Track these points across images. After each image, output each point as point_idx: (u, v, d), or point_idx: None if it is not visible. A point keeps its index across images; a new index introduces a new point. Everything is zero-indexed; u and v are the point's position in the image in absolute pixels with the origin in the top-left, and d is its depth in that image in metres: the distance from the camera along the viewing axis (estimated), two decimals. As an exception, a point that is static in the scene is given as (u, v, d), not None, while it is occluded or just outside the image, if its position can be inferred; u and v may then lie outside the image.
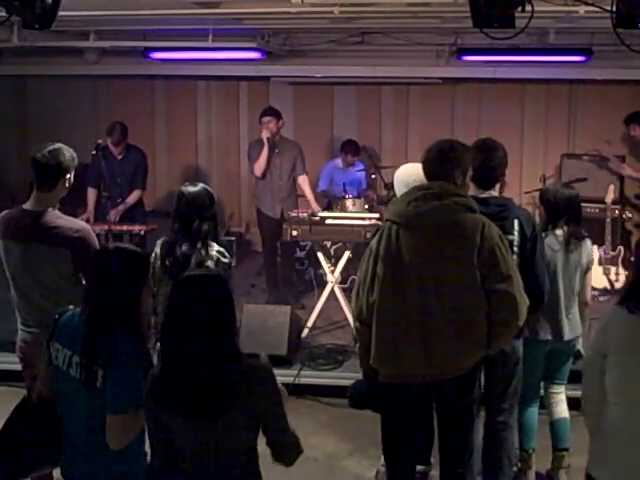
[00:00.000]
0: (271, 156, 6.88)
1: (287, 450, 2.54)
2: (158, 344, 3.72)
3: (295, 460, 2.56)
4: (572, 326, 4.11)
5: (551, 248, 4.03)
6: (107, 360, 2.57)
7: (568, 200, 4.13)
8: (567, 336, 4.09)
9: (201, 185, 3.88)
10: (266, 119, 6.87)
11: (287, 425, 2.52)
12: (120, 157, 6.94)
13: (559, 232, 4.07)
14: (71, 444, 2.73)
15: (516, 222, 3.61)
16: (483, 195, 3.69)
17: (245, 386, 2.40)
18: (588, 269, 4.19)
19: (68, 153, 3.65)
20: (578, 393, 2.96)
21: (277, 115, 6.93)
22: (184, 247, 3.73)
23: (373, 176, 7.87)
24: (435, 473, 4.05)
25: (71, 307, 2.80)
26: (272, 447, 2.51)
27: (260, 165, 6.87)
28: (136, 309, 2.70)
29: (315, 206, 7.00)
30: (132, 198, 6.96)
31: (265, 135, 6.81)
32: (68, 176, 3.66)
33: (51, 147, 3.61)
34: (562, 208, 4.10)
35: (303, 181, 7.11)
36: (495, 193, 3.75)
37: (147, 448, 2.61)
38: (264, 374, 2.46)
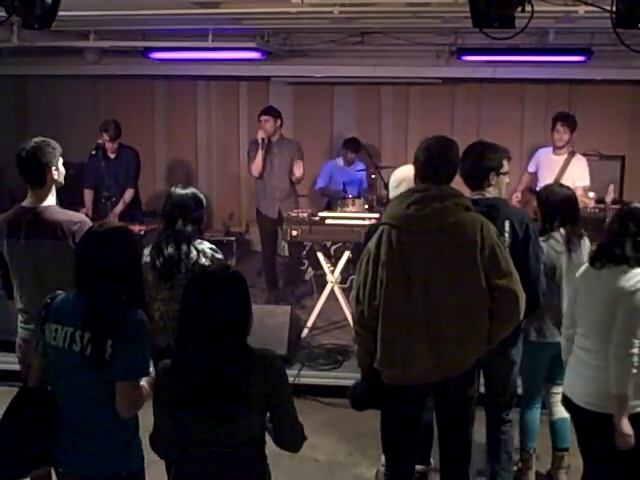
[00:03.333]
0: (268, 156, 6.85)
1: (296, 434, 2.62)
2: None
3: (301, 446, 2.64)
4: None
5: (554, 250, 4.01)
6: (116, 330, 2.62)
7: (562, 200, 4.11)
8: None
9: (191, 189, 3.87)
10: (263, 118, 6.84)
11: (294, 410, 2.61)
12: (113, 156, 6.95)
13: (556, 234, 4.05)
14: (68, 426, 2.73)
15: (507, 223, 3.59)
16: (475, 197, 3.69)
17: (261, 376, 2.49)
18: None
19: (47, 147, 3.64)
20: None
21: (275, 114, 6.89)
22: (170, 248, 3.72)
23: (373, 176, 7.87)
24: (435, 473, 4.06)
25: (59, 292, 2.84)
26: (281, 431, 2.58)
27: (256, 166, 6.86)
28: (135, 279, 2.79)
29: (299, 173, 6.89)
30: (127, 197, 6.98)
31: (260, 135, 6.79)
32: (54, 168, 3.66)
33: (29, 145, 3.62)
34: (556, 208, 4.07)
35: (298, 166, 6.97)
36: (489, 194, 3.73)
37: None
38: (278, 363, 2.58)
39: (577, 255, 4.05)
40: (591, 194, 6.50)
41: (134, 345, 2.63)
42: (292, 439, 2.63)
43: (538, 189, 6.54)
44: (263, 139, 6.78)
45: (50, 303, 2.79)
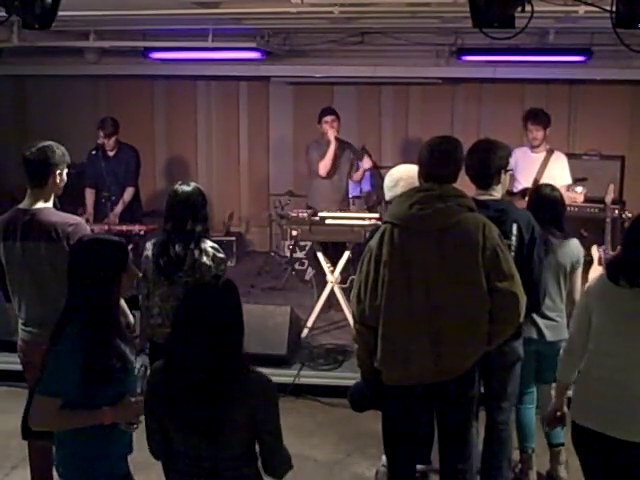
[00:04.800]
0: (337, 155, 6.81)
1: (281, 461, 2.57)
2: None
3: (285, 474, 2.59)
4: (555, 328, 4.05)
5: None
6: (53, 345, 2.61)
7: (537, 200, 4.12)
8: (549, 337, 4.04)
9: (194, 185, 3.89)
10: (329, 117, 6.78)
11: (281, 439, 2.56)
12: (112, 154, 6.94)
13: None
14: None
15: (514, 226, 3.58)
16: (483, 197, 3.65)
17: (246, 397, 2.44)
18: (573, 270, 4.10)
19: (58, 150, 3.69)
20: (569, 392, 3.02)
21: (337, 114, 6.86)
22: (177, 247, 3.73)
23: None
24: (435, 473, 4.06)
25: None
26: (266, 458, 2.53)
27: (326, 165, 6.76)
28: (107, 301, 2.69)
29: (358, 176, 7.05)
30: (127, 196, 6.98)
31: (332, 134, 6.72)
32: (59, 172, 3.69)
33: (40, 145, 3.67)
34: (535, 207, 4.04)
35: (358, 172, 7.09)
36: (497, 194, 3.71)
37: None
38: (266, 388, 2.51)
39: (550, 257, 3.96)
40: (578, 189, 6.18)
41: (55, 363, 2.56)
42: (273, 467, 2.57)
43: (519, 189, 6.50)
44: (336, 138, 6.74)
45: None
